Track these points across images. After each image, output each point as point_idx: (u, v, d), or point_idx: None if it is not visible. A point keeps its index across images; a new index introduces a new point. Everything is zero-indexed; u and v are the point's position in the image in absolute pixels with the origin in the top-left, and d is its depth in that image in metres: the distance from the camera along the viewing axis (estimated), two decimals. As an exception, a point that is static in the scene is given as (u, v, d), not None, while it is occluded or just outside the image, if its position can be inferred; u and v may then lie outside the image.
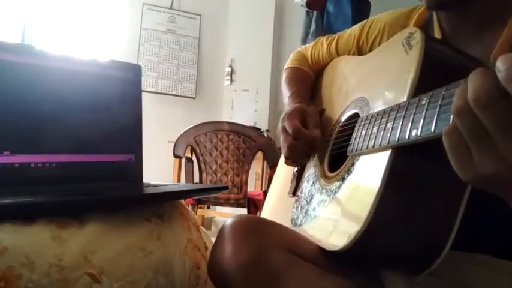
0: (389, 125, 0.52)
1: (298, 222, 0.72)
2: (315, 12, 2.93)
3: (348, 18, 2.75)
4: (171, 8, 3.72)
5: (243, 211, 2.45)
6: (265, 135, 3.19)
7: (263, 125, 3.45)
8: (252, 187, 2.82)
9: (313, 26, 2.92)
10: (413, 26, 0.76)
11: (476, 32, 0.65)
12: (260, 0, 3.68)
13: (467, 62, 0.56)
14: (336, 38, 0.95)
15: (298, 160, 0.83)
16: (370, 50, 0.85)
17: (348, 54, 0.91)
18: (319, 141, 0.78)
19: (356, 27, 0.90)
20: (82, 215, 0.60)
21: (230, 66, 3.77)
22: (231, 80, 3.76)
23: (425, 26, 0.74)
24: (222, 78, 3.80)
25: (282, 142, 0.82)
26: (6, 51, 0.70)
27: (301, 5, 2.95)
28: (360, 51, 0.88)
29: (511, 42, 0.60)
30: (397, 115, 0.50)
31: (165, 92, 3.69)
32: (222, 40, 3.85)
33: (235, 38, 3.79)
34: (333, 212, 0.62)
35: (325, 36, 1.00)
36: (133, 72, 0.87)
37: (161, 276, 0.62)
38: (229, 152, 2.44)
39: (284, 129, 0.80)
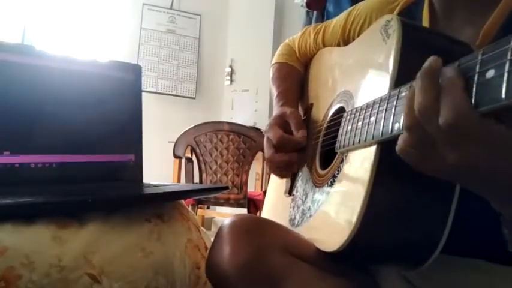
0: (372, 119, 0.51)
1: (296, 222, 0.71)
2: (315, 12, 2.93)
3: (348, 18, 2.74)
4: (171, 8, 3.72)
5: (243, 211, 2.45)
6: (265, 135, 3.17)
7: (263, 125, 3.41)
8: (252, 187, 2.82)
9: (313, 26, 2.92)
10: (400, 9, 0.72)
11: (468, 14, 0.62)
12: (260, 0, 3.68)
13: (449, 45, 0.54)
14: (322, 29, 0.91)
15: (282, 173, 0.82)
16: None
17: (335, 44, 0.87)
18: (305, 141, 0.76)
19: (342, 16, 0.86)
20: (82, 215, 0.60)
21: (230, 66, 3.77)
22: (231, 80, 3.76)
23: (413, 10, 0.70)
24: (222, 78, 3.79)
25: (265, 154, 0.82)
26: (6, 51, 0.70)
27: (301, 5, 2.95)
28: (346, 42, 0.84)
29: (501, 23, 0.58)
30: (379, 108, 0.49)
31: (165, 92, 3.68)
32: (222, 40, 3.84)
33: (235, 38, 3.78)
34: (327, 212, 0.61)
35: (312, 26, 0.96)
36: (134, 73, 0.87)
37: (161, 276, 0.62)
38: (229, 152, 2.44)
39: (268, 139, 0.80)
